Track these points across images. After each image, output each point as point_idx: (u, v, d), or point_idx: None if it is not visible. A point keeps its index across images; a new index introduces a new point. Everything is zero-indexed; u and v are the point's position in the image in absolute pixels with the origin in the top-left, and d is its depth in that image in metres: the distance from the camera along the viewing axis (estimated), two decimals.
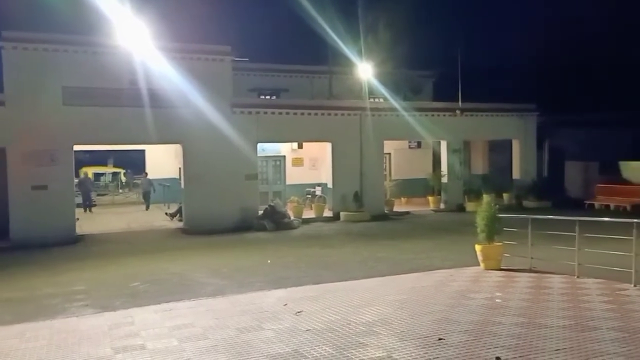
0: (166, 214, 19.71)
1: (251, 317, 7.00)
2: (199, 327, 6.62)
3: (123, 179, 31.77)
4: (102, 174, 31.05)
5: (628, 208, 19.11)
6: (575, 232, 8.80)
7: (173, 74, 16.70)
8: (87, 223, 18.13)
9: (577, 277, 8.70)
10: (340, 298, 7.97)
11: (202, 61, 17.46)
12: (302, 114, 19.13)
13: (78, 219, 16.76)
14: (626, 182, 20.84)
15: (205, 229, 16.20)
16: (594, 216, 13.77)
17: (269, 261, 11.82)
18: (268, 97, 23.56)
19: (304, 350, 5.48)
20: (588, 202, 20.75)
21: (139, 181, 25.86)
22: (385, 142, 20.80)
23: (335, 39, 21.70)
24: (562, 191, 22.84)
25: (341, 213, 18.93)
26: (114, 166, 32.82)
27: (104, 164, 32.55)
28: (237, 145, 17.53)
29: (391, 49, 22.33)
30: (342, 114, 19.79)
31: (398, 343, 5.57)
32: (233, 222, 16.99)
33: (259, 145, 18.85)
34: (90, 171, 27.77)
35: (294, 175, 21.90)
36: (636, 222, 8.12)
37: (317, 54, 23.79)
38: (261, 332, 6.27)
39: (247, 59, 23.50)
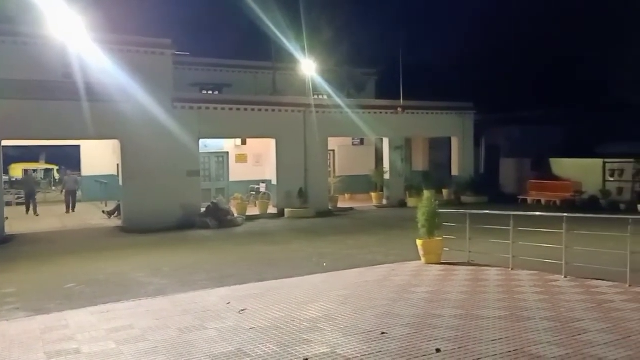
0: (103, 212, 19.00)
1: (193, 317, 6.86)
2: (138, 329, 6.41)
3: (56, 175, 30.35)
4: (34, 171, 29.51)
5: (558, 203, 20.13)
6: (509, 226, 9.17)
7: (111, 67, 16.10)
8: (18, 222, 17.18)
9: (512, 269, 9.08)
10: (284, 295, 7.95)
11: (141, 54, 16.94)
12: (246, 109, 18.93)
13: (7, 218, 15.85)
14: (556, 178, 21.95)
15: (145, 228, 15.73)
16: (526, 211, 14.44)
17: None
18: (210, 92, 23.15)
19: (247, 349, 5.42)
20: (521, 197, 21.70)
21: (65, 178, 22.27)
22: (329, 138, 20.93)
23: (279, 35, 21.61)
24: (498, 187, 23.80)
25: (286, 210, 18.90)
26: (47, 162, 31.31)
27: (36, 160, 30.99)
28: (178, 141, 17.13)
29: (334, 46, 22.48)
30: (286, 110, 19.73)
31: (342, 338, 5.61)
32: (174, 220, 16.59)
33: (202, 141, 18.49)
34: (19, 168, 26.35)
35: (237, 172, 21.65)
36: (566, 216, 8.57)
37: (261, 50, 23.62)
38: (204, 332, 6.15)
39: (188, 53, 23.02)
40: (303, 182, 19.56)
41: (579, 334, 5.37)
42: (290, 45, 21.63)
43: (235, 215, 17.68)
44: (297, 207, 18.90)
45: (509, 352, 4.93)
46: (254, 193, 20.67)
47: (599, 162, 20.49)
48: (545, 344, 5.09)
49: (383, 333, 5.69)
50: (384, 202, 21.72)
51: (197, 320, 6.70)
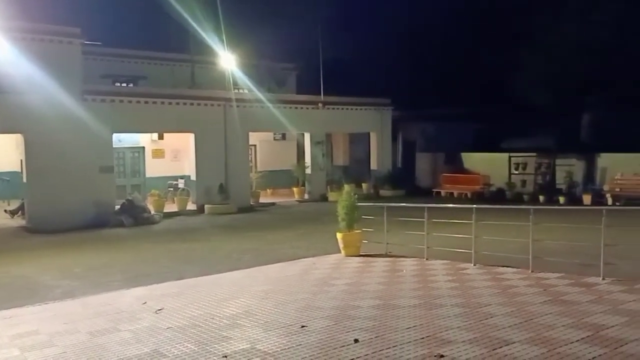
0: (5, 211, 17.67)
1: (106, 319, 6.56)
2: (45, 334, 6.04)
3: None
4: None
5: (469, 195, 21.22)
6: (424, 218, 9.56)
7: (13, 56, 14.95)
8: None
9: (427, 259, 9.47)
10: (203, 292, 7.80)
11: (47, 43, 15.86)
12: (163, 103, 18.32)
13: None
14: (467, 172, 23.13)
15: (53, 227, 14.81)
16: (440, 203, 15.11)
17: None
18: (124, 84, 22.16)
19: (164, 350, 5.27)
20: (435, 190, 22.66)
21: None
22: (250, 133, 20.74)
23: (197, 27, 21.06)
24: (414, 180, 24.71)
25: (206, 206, 18.52)
26: None
27: None
28: (89, 136, 16.27)
29: (254, 40, 22.24)
30: (206, 104, 19.31)
31: (262, 334, 5.59)
32: (86, 219, 15.74)
33: (115, 135, 17.69)
34: None
35: (154, 168, 20.87)
36: (475, 208, 9.06)
37: (178, 41, 22.88)
38: (117, 334, 5.90)
39: (100, 43, 21.84)
40: (223, 178, 19.25)
41: (486, 319, 5.70)
42: (209, 37, 21.15)
43: (152, 212, 17.09)
44: (218, 203, 18.59)
45: (422, 338, 5.13)
46: (172, 189, 20.07)
47: (505, 156, 21.82)
48: (455, 329, 5.36)
49: (303, 326, 5.74)
50: (306, 196, 21.87)
51: (109, 322, 6.41)
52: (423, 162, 25.33)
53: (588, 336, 4.99)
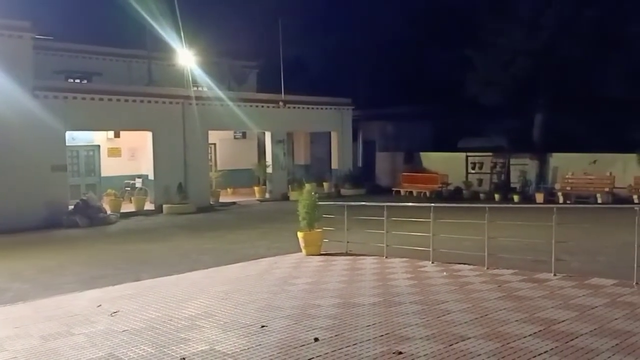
0: None
1: (59, 323, 6.35)
2: None
3: None
4: None
5: (427, 194, 21.59)
6: (384, 217, 9.66)
7: None
8: None
9: (386, 257, 9.57)
10: (161, 294, 7.65)
11: None
12: (119, 100, 17.88)
13: None
14: (426, 171, 23.54)
15: (3, 228, 14.21)
16: (399, 202, 15.33)
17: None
18: (78, 80, 21.49)
19: (119, 353, 5.14)
20: (395, 189, 22.96)
21: None
22: (210, 132, 20.49)
23: (155, 22, 20.64)
24: (374, 179, 24.97)
25: (164, 206, 18.19)
26: None
27: None
28: (41, 133, 15.73)
29: (214, 38, 21.99)
30: (164, 102, 18.96)
31: (221, 334, 5.53)
32: (38, 219, 15.20)
33: (69, 133, 17.15)
34: None
35: (110, 167, 20.32)
36: (432, 206, 9.23)
37: (135, 37, 22.35)
38: (70, 338, 5.72)
39: (52, 37, 21.11)
40: (182, 177, 18.95)
41: (444, 315, 5.81)
42: (167, 34, 20.76)
43: (108, 212, 16.66)
44: (177, 203, 18.28)
45: (381, 336, 5.19)
46: (129, 189, 19.59)
47: (462, 155, 22.32)
48: (413, 326, 5.44)
49: (263, 326, 5.70)
50: (267, 195, 21.77)
51: (63, 326, 6.21)
52: (383, 162, 25.62)
53: (540, 330, 5.15)
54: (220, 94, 20.43)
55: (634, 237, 6.76)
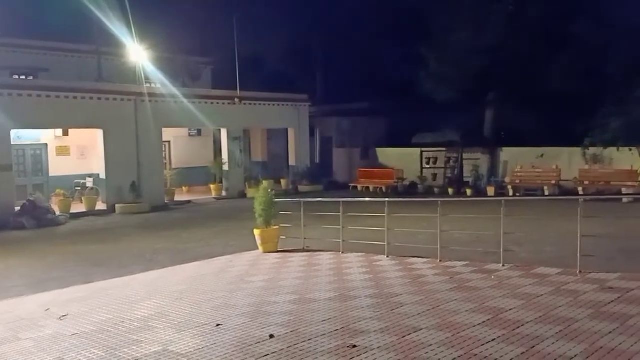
0: None
1: (5, 328, 6.13)
2: None
3: None
4: None
5: (384, 189, 21.87)
6: (340, 212, 9.74)
7: None
8: None
9: (342, 252, 9.66)
10: (113, 296, 7.48)
11: None
12: (67, 97, 17.29)
13: None
14: (382, 167, 23.83)
15: None
16: (356, 197, 15.47)
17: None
18: (24, 77, 20.65)
19: (69, 357, 5.00)
20: (352, 184, 23.15)
21: None
22: (164, 129, 20.08)
23: (105, 17, 20.05)
24: (332, 175, 25.10)
25: (117, 205, 17.73)
26: None
27: None
28: None
29: (167, 33, 21.54)
30: (115, 99, 18.45)
31: (175, 335, 5.46)
32: None
33: (14, 132, 16.48)
34: None
35: (59, 166, 19.62)
36: (387, 201, 9.36)
37: (84, 32, 21.64)
38: (17, 343, 5.53)
39: None
40: (136, 176, 18.50)
41: (397, 308, 5.92)
42: (117, 29, 20.20)
43: (57, 213, 16.11)
44: (130, 202, 17.85)
45: (336, 330, 5.24)
46: (79, 188, 18.99)
47: (417, 151, 22.70)
48: (368, 320, 5.52)
49: (218, 325, 5.66)
50: (224, 193, 21.54)
51: (9, 331, 5.99)
52: (340, 158, 25.77)
53: (489, 319, 5.32)
54: (174, 90, 20.05)
55: (578, 227, 7.06)
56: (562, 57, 18.80)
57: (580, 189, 17.51)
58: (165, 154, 22.05)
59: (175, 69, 22.60)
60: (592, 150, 17.98)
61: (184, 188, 22.30)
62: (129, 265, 9.83)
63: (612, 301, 5.72)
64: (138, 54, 20.64)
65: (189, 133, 23.98)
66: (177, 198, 20.33)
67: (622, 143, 16.99)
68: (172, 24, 21.70)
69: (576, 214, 7.12)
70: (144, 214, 17.36)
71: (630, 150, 17.12)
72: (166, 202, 19.51)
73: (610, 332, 4.78)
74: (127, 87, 19.18)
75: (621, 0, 17.62)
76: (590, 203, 12.74)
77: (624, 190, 16.33)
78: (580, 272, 7.03)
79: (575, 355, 4.30)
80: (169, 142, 22.83)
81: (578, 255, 7.07)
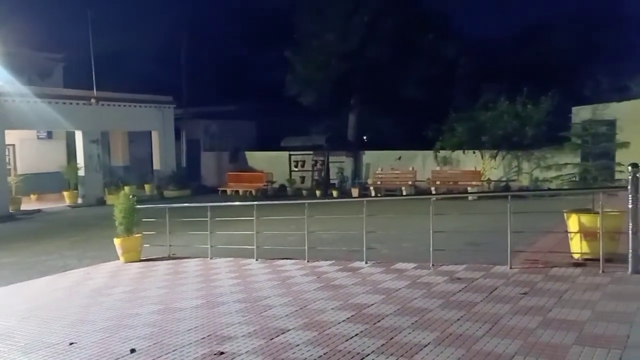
0: None
1: None
2: None
3: None
4: None
5: (253, 192, 21.86)
6: (208, 217, 9.53)
7: None
8: None
9: (211, 258, 9.45)
10: None
11: None
12: None
13: None
14: (251, 170, 23.80)
15: None
16: (226, 201, 15.25)
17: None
18: None
19: None
20: (221, 188, 22.80)
21: None
22: (7, 131, 18.10)
23: None
24: (200, 179, 24.50)
25: None
26: None
27: None
28: None
29: (11, 25, 19.44)
30: None
31: (22, 358, 4.93)
32: None
33: None
34: None
35: None
36: (255, 204, 9.35)
37: None
38: None
39: None
40: None
41: (266, 311, 5.93)
42: None
43: None
44: None
45: (203, 338, 5.10)
46: None
47: (285, 154, 23.04)
48: (236, 325, 5.45)
49: (72, 343, 5.22)
50: (80, 201, 19.96)
51: None
52: (208, 161, 25.26)
53: (352, 315, 5.55)
54: (20, 88, 18.16)
55: (430, 224, 7.64)
56: (414, 66, 20.33)
57: (433, 188, 19.01)
58: (8, 159, 19.89)
59: (19, 64, 20.46)
60: (442, 153, 19.65)
61: (32, 196, 20.29)
62: None
63: (460, 290, 6.27)
64: None
65: (38, 135, 21.88)
66: (24, 207, 18.45)
67: (467, 147, 18.80)
68: (17, 16, 19.64)
69: (429, 211, 7.70)
70: None
71: (474, 153, 19.00)
72: (11, 211, 17.61)
73: (458, 319, 5.23)
74: None
75: (467, 16, 19.60)
76: (442, 201, 13.97)
77: (469, 189, 18.05)
78: (432, 265, 7.61)
79: (428, 343, 4.64)
80: (13, 145, 20.63)
81: (431, 249, 7.65)
